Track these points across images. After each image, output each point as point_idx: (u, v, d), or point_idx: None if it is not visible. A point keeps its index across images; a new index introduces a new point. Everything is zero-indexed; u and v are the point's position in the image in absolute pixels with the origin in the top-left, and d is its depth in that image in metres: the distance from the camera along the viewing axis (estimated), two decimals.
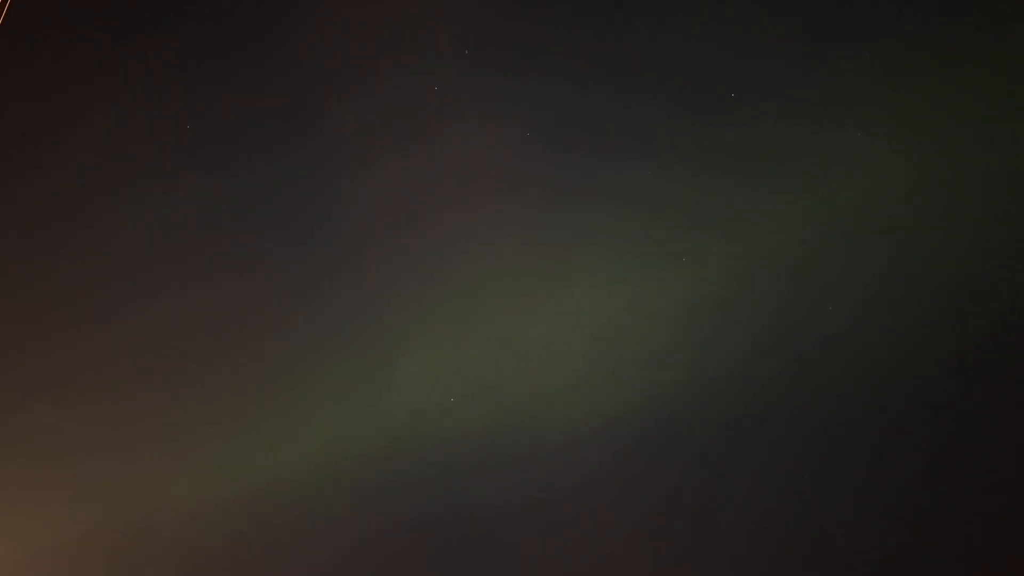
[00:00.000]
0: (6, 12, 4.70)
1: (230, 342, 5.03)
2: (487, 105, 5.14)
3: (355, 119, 5.13)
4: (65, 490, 4.87)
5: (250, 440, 4.97)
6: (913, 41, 4.98)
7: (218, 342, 5.03)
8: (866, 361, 4.95)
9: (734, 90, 5.00)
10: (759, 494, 4.94)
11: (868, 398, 4.93)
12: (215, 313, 5.05)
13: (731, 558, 4.89)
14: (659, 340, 5.05)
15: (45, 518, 4.82)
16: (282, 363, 5.04)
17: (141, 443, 4.94)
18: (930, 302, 4.93)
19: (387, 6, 5.17)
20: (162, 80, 5.08)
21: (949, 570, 4.79)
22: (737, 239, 5.07)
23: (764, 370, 4.99)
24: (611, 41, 5.15)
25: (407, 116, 5.13)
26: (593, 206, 5.12)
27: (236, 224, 5.10)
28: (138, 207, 5.04)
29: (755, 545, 4.89)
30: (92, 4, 5.06)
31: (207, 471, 4.92)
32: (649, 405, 4.99)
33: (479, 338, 5.10)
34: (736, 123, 5.05)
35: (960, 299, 4.90)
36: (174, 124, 5.06)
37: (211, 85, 5.09)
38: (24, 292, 4.94)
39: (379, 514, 4.95)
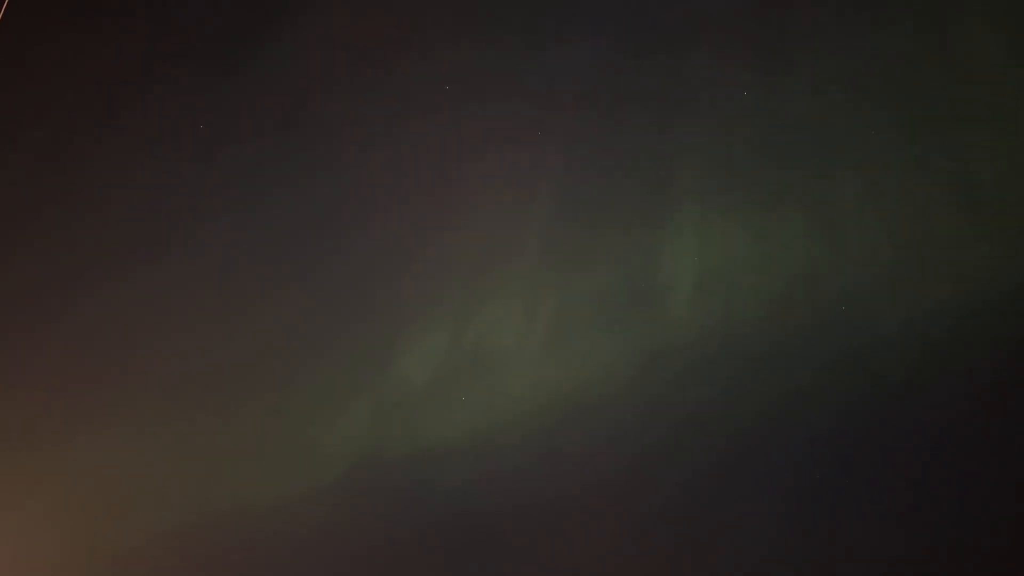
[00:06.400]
0: (5, 10, 4.69)
1: (226, 340, 5.01)
2: (496, 104, 5.17)
3: (357, 115, 5.17)
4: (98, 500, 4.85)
5: (249, 445, 4.93)
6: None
7: (213, 340, 5.00)
8: (880, 364, 4.93)
9: (746, 89, 5.02)
10: (770, 499, 4.90)
11: (882, 402, 4.91)
12: (211, 311, 5.03)
13: (741, 565, 4.84)
14: (669, 338, 5.02)
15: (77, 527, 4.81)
16: (287, 362, 5.02)
17: (144, 451, 4.91)
18: (943, 305, 4.91)
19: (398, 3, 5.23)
20: (158, 73, 5.13)
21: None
22: (747, 241, 5.08)
23: (774, 373, 4.96)
24: (622, 40, 5.21)
25: (414, 113, 5.17)
26: (602, 202, 5.13)
27: (233, 223, 5.10)
28: (134, 202, 5.06)
29: (765, 551, 4.84)
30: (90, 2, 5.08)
31: (204, 478, 4.88)
32: (660, 404, 4.97)
33: (488, 335, 5.06)
34: (745, 125, 5.10)
35: (976, 305, 4.88)
36: (172, 119, 5.10)
37: (210, 76, 5.14)
38: (25, 290, 4.93)
39: (385, 517, 4.91)
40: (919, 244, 5.00)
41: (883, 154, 5.07)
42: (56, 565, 4.73)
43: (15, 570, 4.69)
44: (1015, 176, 4.96)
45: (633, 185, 5.15)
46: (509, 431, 4.95)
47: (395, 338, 5.02)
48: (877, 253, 5.03)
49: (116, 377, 4.92)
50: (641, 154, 5.16)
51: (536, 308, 5.08)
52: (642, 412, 4.97)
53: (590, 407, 4.99)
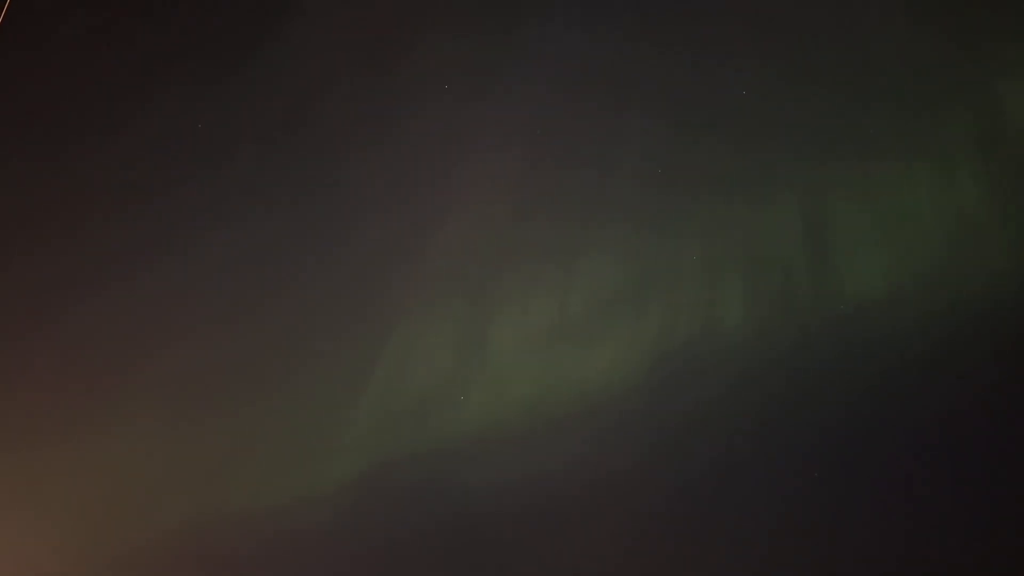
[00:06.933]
0: (6, 10, 4.69)
1: (228, 341, 5.01)
2: (496, 103, 5.19)
3: (357, 115, 5.18)
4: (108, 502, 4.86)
5: (252, 447, 4.93)
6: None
7: (216, 341, 5.01)
8: (881, 365, 4.92)
9: (746, 88, 5.05)
10: (770, 499, 4.90)
11: (883, 402, 4.91)
12: (214, 311, 5.04)
13: (742, 565, 4.84)
14: (670, 339, 5.01)
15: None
16: (288, 364, 5.02)
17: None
18: (943, 306, 4.90)
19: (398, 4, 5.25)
20: (158, 74, 5.14)
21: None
22: (747, 241, 5.08)
23: (775, 374, 4.96)
24: (617, 39, 5.21)
25: (413, 113, 5.18)
26: (602, 201, 5.13)
27: (234, 223, 5.10)
28: (133, 203, 5.07)
29: (766, 551, 4.84)
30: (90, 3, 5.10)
31: (207, 480, 4.89)
32: (661, 405, 4.96)
33: (490, 336, 5.06)
34: (746, 125, 5.14)
35: (978, 305, 4.88)
36: (172, 119, 5.12)
37: (210, 76, 5.16)
38: (27, 291, 4.94)
39: (388, 518, 4.91)
40: (920, 244, 5.00)
41: (884, 153, 5.07)
42: (58, 566, 4.73)
43: (16, 571, 4.70)
44: (1015, 175, 4.97)
45: (634, 183, 5.14)
46: (511, 431, 4.95)
47: (397, 339, 5.02)
48: (878, 253, 5.02)
49: (119, 379, 4.93)
50: (642, 152, 5.16)
51: (538, 308, 5.08)
52: (643, 413, 4.97)
53: (592, 407, 4.98)
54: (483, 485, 4.91)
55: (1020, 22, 5.01)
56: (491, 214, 5.13)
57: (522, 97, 5.21)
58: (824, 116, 5.10)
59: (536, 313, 5.07)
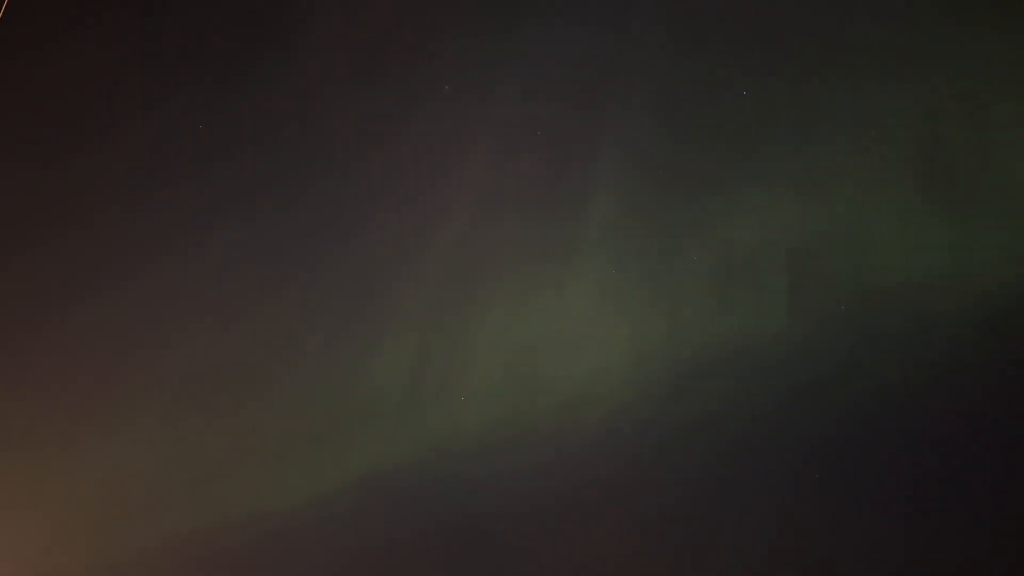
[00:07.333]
0: (4, 8, 4.69)
1: (231, 342, 5.01)
2: (498, 103, 5.19)
3: (358, 116, 5.19)
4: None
5: (255, 449, 4.93)
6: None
7: (218, 342, 5.02)
8: (884, 364, 4.93)
9: (747, 89, 5.05)
10: (770, 500, 4.90)
11: (884, 404, 4.91)
12: (216, 312, 5.04)
13: (741, 566, 4.84)
14: (671, 339, 5.02)
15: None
16: (291, 365, 5.02)
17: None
18: (945, 307, 4.90)
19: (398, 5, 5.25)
20: (158, 75, 5.15)
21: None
22: (748, 242, 5.07)
23: (775, 375, 4.96)
24: (618, 40, 5.22)
25: (413, 114, 5.19)
26: (599, 200, 5.13)
27: (235, 224, 5.10)
28: (133, 204, 5.07)
29: (765, 552, 4.84)
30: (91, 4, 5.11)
31: (209, 483, 4.89)
32: (662, 405, 4.97)
33: (489, 332, 5.05)
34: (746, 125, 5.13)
35: (979, 308, 4.88)
36: (172, 120, 5.12)
37: (211, 78, 5.16)
38: (28, 291, 4.94)
39: (390, 519, 4.92)
40: (923, 245, 4.99)
41: (886, 154, 5.06)
42: (58, 567, 4.73)
43: (16, 571, 4.70)
44: (1016, 175, 4.96)
45: (635, 184, 5.14)
46: (511, 432, 4.95)
47: (397, 339, 5.02)
48: (880, 254, 5.02)
49: (119, 379, 4.93)
50: (643, 152, 5.15)
51: (538, 309, 5.08)
52: (645, 413, 4.96)
53: (593, 407, 4.98)
54: (483, 485, 4.90)
55: (1020, 22, 5.01)
56: (491, 214, 5.13)
57: (522, 97, 5.21)
58: (825, 116, 5.09)
59: (536, 313, 5.07)
